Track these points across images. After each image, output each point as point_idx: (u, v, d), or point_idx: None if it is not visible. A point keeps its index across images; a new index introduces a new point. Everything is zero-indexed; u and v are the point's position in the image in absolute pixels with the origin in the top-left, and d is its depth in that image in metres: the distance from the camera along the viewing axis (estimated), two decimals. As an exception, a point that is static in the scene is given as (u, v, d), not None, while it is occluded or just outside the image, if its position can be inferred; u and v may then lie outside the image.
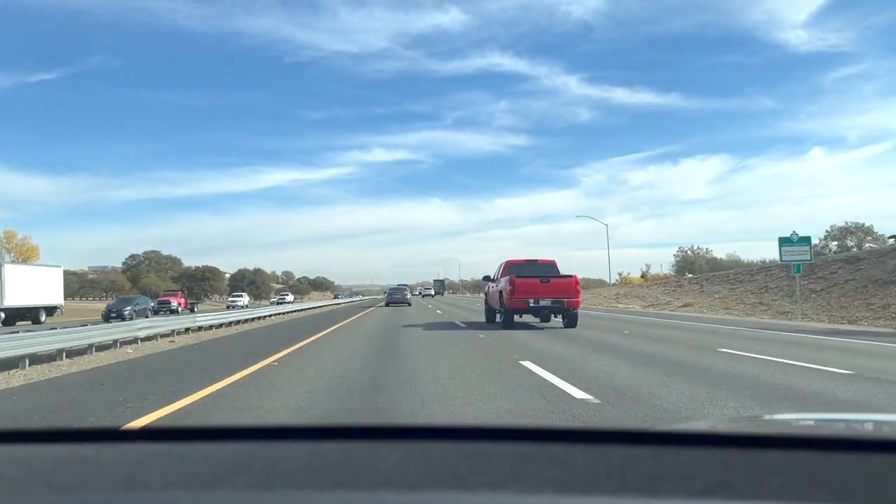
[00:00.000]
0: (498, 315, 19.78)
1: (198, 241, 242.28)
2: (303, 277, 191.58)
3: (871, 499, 0.80)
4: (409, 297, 47.16)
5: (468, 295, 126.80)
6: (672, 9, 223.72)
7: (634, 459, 0.91)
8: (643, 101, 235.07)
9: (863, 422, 1.59)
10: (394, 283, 61.89)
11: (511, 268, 19.25)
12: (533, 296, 17.36)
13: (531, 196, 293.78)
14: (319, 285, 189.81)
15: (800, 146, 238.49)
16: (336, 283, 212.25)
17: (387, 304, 43.61)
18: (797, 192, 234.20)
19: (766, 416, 3.05)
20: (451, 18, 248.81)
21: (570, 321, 17.94)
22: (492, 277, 21.39)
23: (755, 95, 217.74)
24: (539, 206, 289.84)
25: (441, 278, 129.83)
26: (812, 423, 1.57)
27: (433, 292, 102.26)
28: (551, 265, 20.08)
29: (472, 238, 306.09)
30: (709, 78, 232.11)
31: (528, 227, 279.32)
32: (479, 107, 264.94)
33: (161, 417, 6.02)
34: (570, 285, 17.81)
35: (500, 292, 18.44)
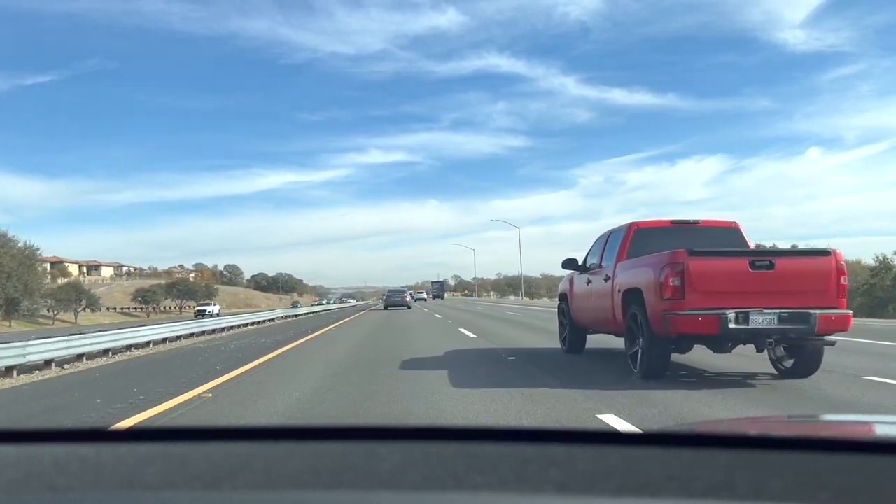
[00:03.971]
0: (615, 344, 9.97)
1: (194, 244, 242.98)
2: (259, 274, 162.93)
3: (874, 501, 0.80)
4: (408, 299, 47.25)
5: (488, 297, 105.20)
6: (669, 10, 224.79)
7: (635, 461, 0.91)
8: (640, 102, 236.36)
9: (865, 423, 1.58)
10: (390, 285, 60.70)
11: (643, 236, 8.94)
12: (737, 301, 7.19)
13: (529, 197, 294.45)
14: (273, 287, 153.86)
15: (797, 146, 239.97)
16: (304, 281, 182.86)
17: (386, 308, 43.88)
18: (794, 193, 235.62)
19: (767, 418, 3.05)
20: (449, 19, 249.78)
21: (809, 363, 7.77)
22: (583, 263, 10.43)
23: (752, 96, 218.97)
24: (537, 207, 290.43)
25: (440, 279, 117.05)
26: (814, 424, 1.57)
27: (426, 296, 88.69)
28: (730, 231, 9.19)
29: (469, 240, 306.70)
30: (706, 78, 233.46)
31: (526, 229, 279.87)
32: (477, 108, 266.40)
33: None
34: (826, 276, 7.43)
35: (632, 294, 8.08)
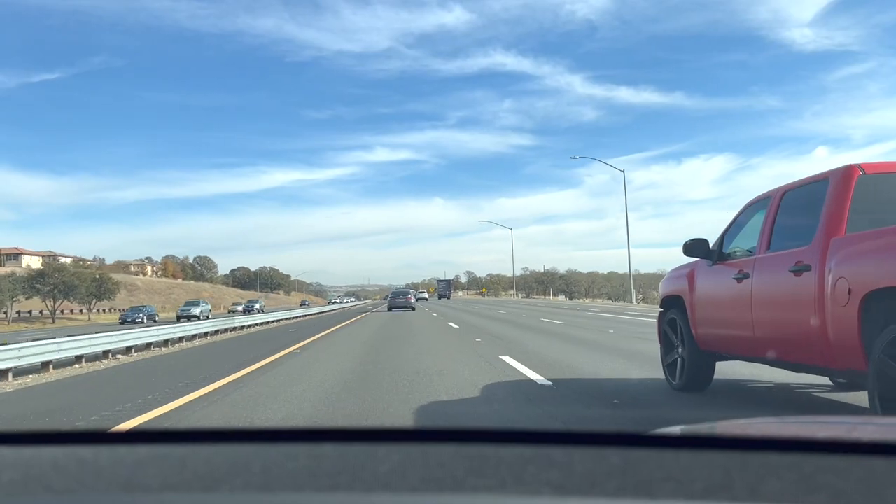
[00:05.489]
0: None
1: (200, 242, 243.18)
2: (239, 269, 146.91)
3: (870, 502, 0.80)
4: (412, 300, 46.11)
5: (514, 296, 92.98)
6: (677, 7, 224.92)
7: (633, 462, 0.91)
8: (647, 101, 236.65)
9: (862, 424, 1.58)
10: (395, 284, 60.56)
11: (872, 189, 4.80)
12: None
13: (534, 196, 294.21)
14: (255, 283, 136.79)
15: (804, 145, 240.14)
16: (292, 277, 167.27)
17: (390, 309, 43.50)
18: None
19: (765, 419, 3.05)
20: (455, 17, 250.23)
21: None
22: (717, 246, 6.53)
23: (760, 94, 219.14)
24: (542, 206, 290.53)
25: (447, 278, 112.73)
26: (811, 425, 1.57)
27: (427, 296, 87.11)
28: None
29: (474, 238, 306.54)
30: (713, 77, 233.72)
31: (532, 227, 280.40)
32: (483, 106, 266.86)
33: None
34: None
35: None
